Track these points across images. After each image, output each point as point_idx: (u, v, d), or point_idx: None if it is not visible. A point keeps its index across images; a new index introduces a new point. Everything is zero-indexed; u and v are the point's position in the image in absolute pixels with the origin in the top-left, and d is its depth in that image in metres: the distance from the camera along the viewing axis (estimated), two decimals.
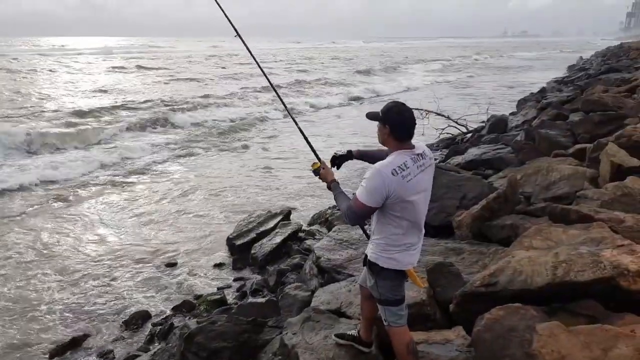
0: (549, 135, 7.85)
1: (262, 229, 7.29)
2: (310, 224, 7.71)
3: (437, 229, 5.35)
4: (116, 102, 21.27)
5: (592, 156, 6.19)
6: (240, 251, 6.94)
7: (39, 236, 7.59)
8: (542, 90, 18.54)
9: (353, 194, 2.73)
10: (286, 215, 7.75)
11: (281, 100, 4.18)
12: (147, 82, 30.10)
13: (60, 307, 5.68)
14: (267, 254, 6.58)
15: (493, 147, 8.72)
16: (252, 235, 7.15)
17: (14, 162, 11.82)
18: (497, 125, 11.40)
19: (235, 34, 4.42)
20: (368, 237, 3.06)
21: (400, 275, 2.82)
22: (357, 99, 25.18)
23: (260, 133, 16.56)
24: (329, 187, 3.03)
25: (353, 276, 4.52)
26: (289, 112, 4.18)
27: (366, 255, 2.89)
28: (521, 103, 15.65)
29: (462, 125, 12.67)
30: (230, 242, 7.15)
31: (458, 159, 8.79)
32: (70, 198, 9.48)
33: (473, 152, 8.65)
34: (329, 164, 3.17)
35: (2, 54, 53.83)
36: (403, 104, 2.76)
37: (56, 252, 7.09)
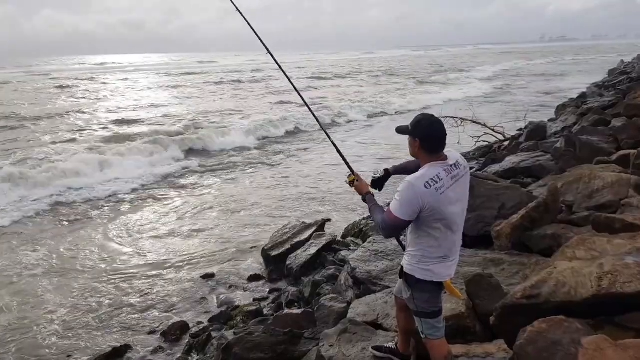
0: (591, 142, 7.60)
1: (296, 240, 7.31)
2: (344, 235, 7.68)
3: (475, 239, 5.24)
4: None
5: (637, 162, 5.96)
6: (275, 262, 6.98)
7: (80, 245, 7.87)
8: (582, 96, 18.02)
9: (387, 204, 2.71)
10: (320, 226, 7.75)
11: (313, 115, 4.17)
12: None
13: (100, 317, 5.83)
14: (302, 265, 6.59)
15: (532, 154, 8.51)
16: (287, 246, 7.18)
17: None
18: (536, 132, 11.10)
19: (267, 52, 4.49)
20: (403, 248, 3.03)
21: (437, 287, 2.77)
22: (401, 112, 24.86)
23: (298, 144, 16.71)
24: (364, 199, 3.02)
25: (389, 288, 4.47)
26: (321, 126, 4.22)
27: (402, 267, 2.86)
28: (560, 109, 15.22)
29: (499, 133, 12.43)
30: (265, 253, 7.20)
31: (495, 168, 8.60)
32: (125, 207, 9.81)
33: (511, 160, 8.46)
34: (367, 180, 3.16)
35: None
36: (432, 116, 2.74)
37: (95, 261, 7.32)
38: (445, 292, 2.80)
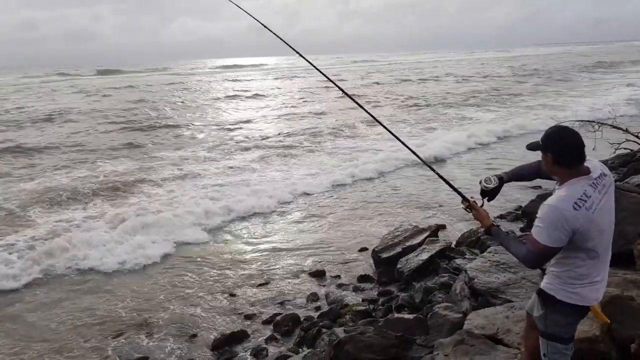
0: None
1: (408, 243, 7.15)
2: (459, 243, 7.34)
3: (614, 257, 4.71)
4: None
5: None
6: (385, 264, 6.89)
7: None
8: None
9: (527, 233, 2.49)
10: (434, 231, 7.51)
11: (402, 142, 3.68)
12: None
13: (221, 303, 6.21)
14: (413, 269, 6.42)
15: None
16: (398, 249, 7.04)
17: None
18: None
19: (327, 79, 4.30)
20: (542, 269, 2.77)
21: (580, 312, 2.52)
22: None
23: None
24: (487, 232, 2.77)
25: (511, 302, 4.20)
26: (419, 158, 3.58)
27: (540, 287, 2.61)
28: None
29: None
30: (376, 254, 7.13)
31: (639, 179, 7.72)
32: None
33: None
34: (479, 202, 2.89)
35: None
36: (565, 127, 2.50)
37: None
38: (591, 317, 2.53)
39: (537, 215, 2.40)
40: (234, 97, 32.42)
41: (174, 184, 11.68)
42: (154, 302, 6.28)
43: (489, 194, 2.89)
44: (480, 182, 2.92)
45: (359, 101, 3.93)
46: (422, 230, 7.54)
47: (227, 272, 7.10)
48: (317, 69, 4.31)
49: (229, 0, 4.90)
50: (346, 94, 4.12)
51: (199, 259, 7.58)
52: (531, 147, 2.59)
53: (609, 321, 2.68)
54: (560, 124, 2.58)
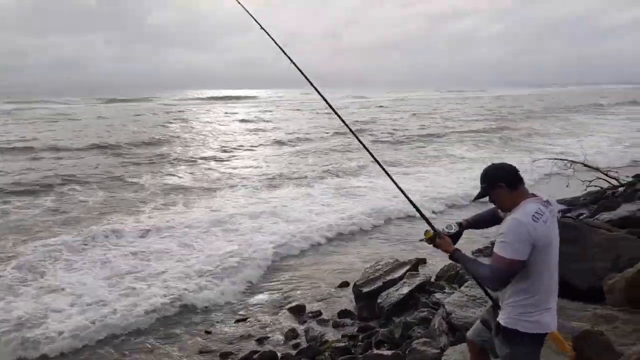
0: None
1: (389, 277, 7.21)
2: (438, 277, 7.43)
3: (585, 292, 4.85)
4: None
5: None
6: (366, 299, 6.92)
7: None
8: None
9: (492, 252, 2.61)
10: (414, 265, 7.59)
11: (380, 164, 3.76)
12: None
13: (197, 342, 6.08)
14: (393, 304, 6.46)
15: None
16: (379, 283, 7.09)
17: None
18: None
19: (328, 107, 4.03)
20: (492, 299, 2.87)
21: (539, 341, 2.61)
22: None
23: None
24: (452, 258, 2.88)
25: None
26: (391, 178, 3.59)
27: (498, 323, 2.69)
28: None
29: (614, 178, 11.48)
30: (357, 289, 7.17)
31: (609, 216, 7.94)
32: None
33: (627, 208, 7.79)
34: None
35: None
36: (493, 162, 2.85)
37: None
38: (552, 347, 2.63)
39: (501, 231, 2.56)
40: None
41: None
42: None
43: (450, 240, 2.99)
44: (442, 229, 3.03)
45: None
46: (403, 264, 7.62)
47: None
48: (332, 107, 4.00)
49: (254, 20, 4.77)
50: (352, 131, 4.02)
51: None
52: (478, 196, 2.81)
53: (568, 349, 2.73)
54: (496, 163, 2.84)
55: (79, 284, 7.49)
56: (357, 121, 34.53)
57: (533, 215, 2.50)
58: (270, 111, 50.23)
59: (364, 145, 3.86)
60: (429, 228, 3.04)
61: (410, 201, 3.37)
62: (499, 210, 2.81)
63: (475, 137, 26.65)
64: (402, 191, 3.41)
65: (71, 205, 12.62)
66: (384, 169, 3.62)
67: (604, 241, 5.29)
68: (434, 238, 2.97)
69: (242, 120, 39.05)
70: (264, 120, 38.80)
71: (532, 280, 2.55)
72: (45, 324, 6.26)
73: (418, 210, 3.32)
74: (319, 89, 4.23)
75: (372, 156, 3.76)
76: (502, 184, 2.66)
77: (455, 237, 3.00)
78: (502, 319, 2.67)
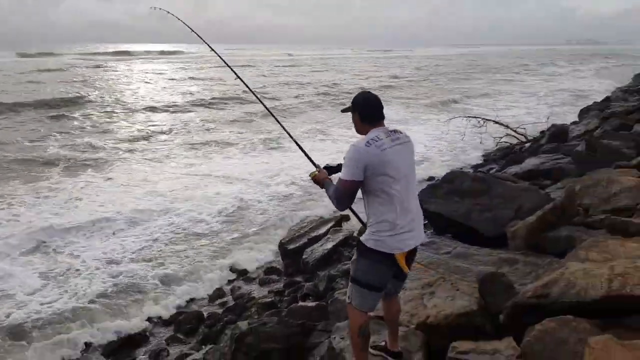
0: (611, 146, 7.51)
1: (313, 234, 7.41)
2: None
3: (491, 239, 5.26)
4: None
5: None
6: (292, 256, 7.08)
7: None
8: (607, 100, 17.68)
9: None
10: (338, 221, 7.83)
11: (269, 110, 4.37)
12: None
13: (117, 302, 5.93)
14: (318, 259, 6.67)
15: (552, 157, 8.46)
16: (304, 240, 7.27)
17: None
18: (558, 134, 11.00)
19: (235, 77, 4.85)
20: (363, 223, 3.08)
21: (385, 260, 2.78)
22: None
23: None
24: (322, 186, 3.04)
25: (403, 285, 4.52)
26: (279, 122, 4.28)
27: (358, 239, 2.93)
28: (584, 112, 14.98)
29: (521, 134, 12.33)
30: (282, 246, 7.30)
31: (515, 169, 8.57)
32: None
33: (531, 162, 8.43)
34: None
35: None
36: (368, 92, 2.96)
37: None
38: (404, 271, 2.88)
39: (343, 157, 2.77)
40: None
41: None
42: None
43: (331, 170, 3.16)
44: (326, 165, 3.22)
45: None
46: (327, 221, 7.84)
47: None
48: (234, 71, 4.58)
49: None
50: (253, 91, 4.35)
51: None
52: (344, 110, 3.03)
53: (407, 269, 2.89)
54: (365, 90, 3.01)
55: None
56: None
57: (367, 142, 2.70)
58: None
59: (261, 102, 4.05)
60: (314, 169, 3.19)
61: (297, 143, 3.81)
62: None
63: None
64: (288, 132, 3.85)
65: None
66: (273, 116, 4.10)
67: (508, 192, 5.72)
68: (317, 172, 3.14)
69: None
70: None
71: (381, 204, 2.74)
72: None
73: (302, 150, 3.66)
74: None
75: (267, 109, 4.15)
76: (357, 113, 2.87)
77: (333, 171, 3.15)
78: (362, 236, 2.89)
